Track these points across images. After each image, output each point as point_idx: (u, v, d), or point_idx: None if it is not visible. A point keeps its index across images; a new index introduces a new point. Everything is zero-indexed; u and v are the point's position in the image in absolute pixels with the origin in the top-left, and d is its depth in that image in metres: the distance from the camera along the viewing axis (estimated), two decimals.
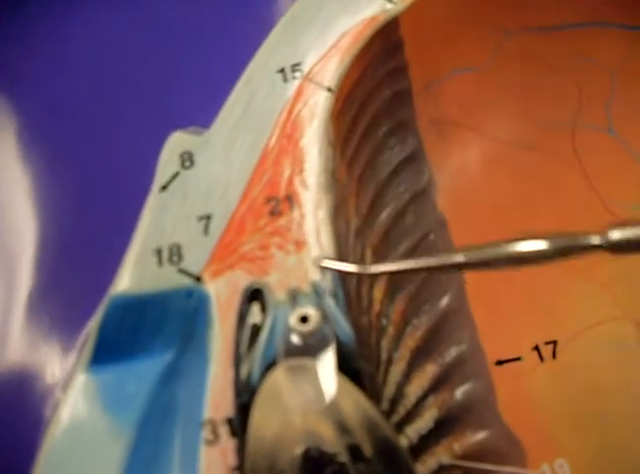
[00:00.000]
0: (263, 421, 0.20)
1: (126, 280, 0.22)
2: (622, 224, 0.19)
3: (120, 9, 0.34)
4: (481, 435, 0.27)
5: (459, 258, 0.20)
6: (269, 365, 0.21)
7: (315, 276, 0.22)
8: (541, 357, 0.29)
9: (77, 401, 0.22)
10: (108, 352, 0.22)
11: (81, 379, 0.22)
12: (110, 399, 0.22)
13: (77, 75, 0.34)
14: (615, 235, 0.19)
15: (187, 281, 0.22)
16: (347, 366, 0.21)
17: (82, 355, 0.22)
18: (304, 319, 0.21)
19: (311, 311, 0.21)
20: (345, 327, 0.21)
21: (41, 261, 0.30)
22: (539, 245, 0.20)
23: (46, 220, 0.31)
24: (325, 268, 0.22)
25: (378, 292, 0.27)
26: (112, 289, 0.22)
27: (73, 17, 0.35)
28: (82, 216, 0.30)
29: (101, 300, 0.23)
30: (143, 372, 0.22)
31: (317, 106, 0.24)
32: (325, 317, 0.21)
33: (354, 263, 0.25)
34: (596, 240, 0.19)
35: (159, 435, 0.21)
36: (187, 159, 0.24)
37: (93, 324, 0.23)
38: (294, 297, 0.21)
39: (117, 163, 0.30)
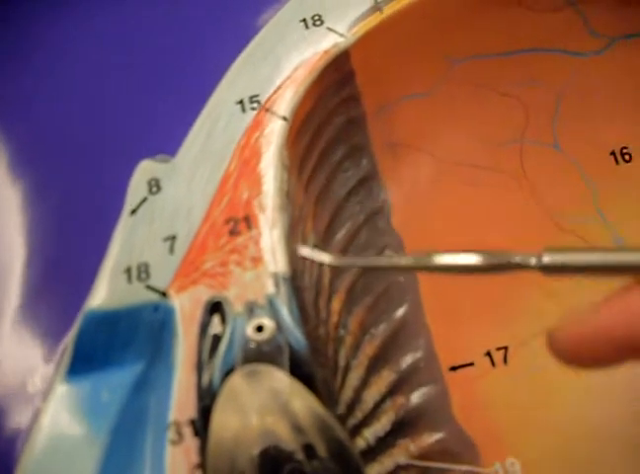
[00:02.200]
0: (223, 422, 0.22)
1: (99, 297, 0.24)
2: (556, 249, 0.21)
3: (89, 46, 0.36)
4: (436, 437, 0.29)
5: (406, 261, 0.23)
6: (228, 371, 0.22)
7: (270, 289, 0.23)
8: (493, 363, 0.31)
9: (56, 410, 0.23)
10: (84, 363, 0.24)
11: (60, 389, 0.24)
12: (86, 407, 0.23)
13: (59, 104, 0.36)
14: (547, 259, 0.21)
15: (154, 297, 0.24)
16: (299, 372, 0.22)
17: (60, 366, 0.24)
18: (260, 329, 0.23)
19: (266, 321, 0.23)
20: (297, 335, 0.23)
21: (27, 278, 0.32)
22: (476, 259, 0.22)
23: (32, 241, 0.33)
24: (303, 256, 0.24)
25: (336, 304, 0.29)
26: (86, 305, 0.24)
27: (48, 48, 0.37)
28: (62, 238, 0.32)
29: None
30: (116, 382, 0.24)
31: (273, 133, 0.26)
32: (279, 327, 0.23)
33: (311, 278, 0.27)
34: (532, 261, 0.21)
35: (132, 439, 0.23)
36: (154, 185, 0.26)
37: (69, 338, 0.24)
38: (251, 309, 0.23)
39: (92, 189, 0.32)
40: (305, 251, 0.24)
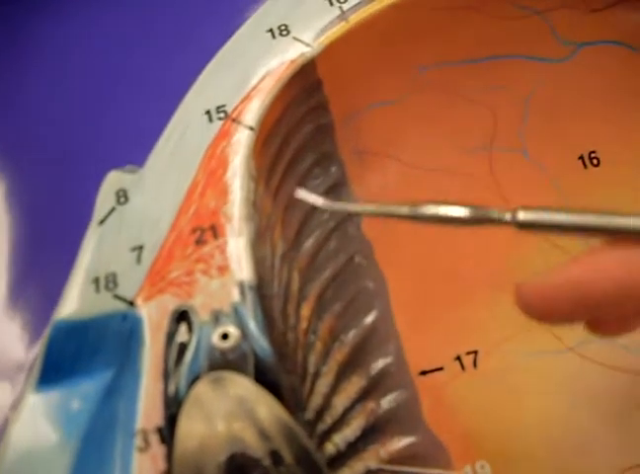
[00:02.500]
0: (188, 429, 0.22)
1: (68, 307, 0.24)
2: (531, 207, 0.22)
3: (56, 61, 0.36)
4: (407, 441, 0.29)
5: (396, 210, 0.24)
6: (194, 379, 0.23)
7: (236, 298, 0.24)
8: (463, 367, 0.31)
9: (27, 418, 0.23)
10: (54, 372, 0.24)
11: (31, 398, 0.24)
12: (57, 416, 0.24)
13: (36, 117, 0.36)
14: (522, 215, 0.22)
15: (122, 306, 0.24)
16: (264, 379, 0.23)
17: (31, 375, 0.24)
18: (225, 336, 0.23)
19: (231, 329, 0.23)
20: (262, 343, 0.23)
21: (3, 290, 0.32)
22: (460, 211, 0.23)
23: (12, 253, 0.33)
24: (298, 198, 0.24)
25: (306, 311, 0.29)
26: (55, 315, 0.25)
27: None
28: (33, 247, 0.32)
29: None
30: (86, 391, 0.24)
31: (240, 143, 0.26)
32: (244, 335, 0.23)
33: (280, 285, 0.27)
34: (507, 217, 0.22)
35: (101, 447, 0.23)
36: (122, 195, 0.26)
37: (40, 348, 0.25)
38: (217, 317, 0.23)
39: (64, 199, 0.32)
40: (301, 193, 0.24)
